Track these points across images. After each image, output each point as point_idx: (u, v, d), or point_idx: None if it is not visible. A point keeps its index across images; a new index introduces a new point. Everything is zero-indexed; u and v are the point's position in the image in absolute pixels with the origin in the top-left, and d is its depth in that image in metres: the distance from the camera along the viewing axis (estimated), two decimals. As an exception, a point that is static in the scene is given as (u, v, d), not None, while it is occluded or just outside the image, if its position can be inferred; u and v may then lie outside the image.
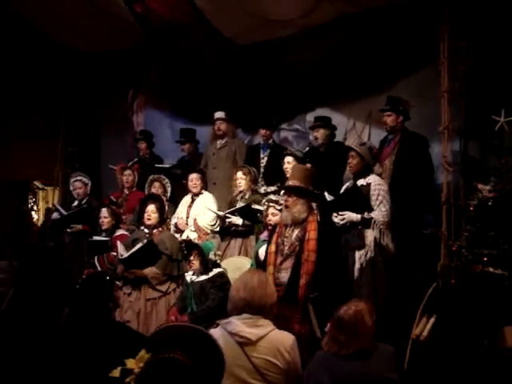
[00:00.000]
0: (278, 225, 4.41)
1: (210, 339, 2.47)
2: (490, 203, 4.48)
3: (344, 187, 5.30)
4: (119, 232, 5.99)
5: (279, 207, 4.71)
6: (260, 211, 5.45)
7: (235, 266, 5.10)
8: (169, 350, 2.42)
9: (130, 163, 7.31)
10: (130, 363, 2.85)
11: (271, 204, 4.81)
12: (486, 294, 4.28)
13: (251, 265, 4.99)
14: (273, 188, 6.35)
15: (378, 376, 2.81)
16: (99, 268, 5.71)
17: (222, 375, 2.41)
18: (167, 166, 7.19)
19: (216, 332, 3.00)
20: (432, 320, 4.53)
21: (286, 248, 4.23)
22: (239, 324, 2.91)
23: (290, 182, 4.31)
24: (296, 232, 4.22)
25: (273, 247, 4.31)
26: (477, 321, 4.26)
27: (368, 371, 2.81)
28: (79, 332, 3.19)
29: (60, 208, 6.97)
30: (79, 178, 6.98)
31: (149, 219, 5.46)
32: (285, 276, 4.13)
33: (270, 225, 4.79)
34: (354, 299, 3.13)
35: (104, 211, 6.13)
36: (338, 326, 2.92)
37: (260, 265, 4.66)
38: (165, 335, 2.56)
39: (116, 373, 2.84)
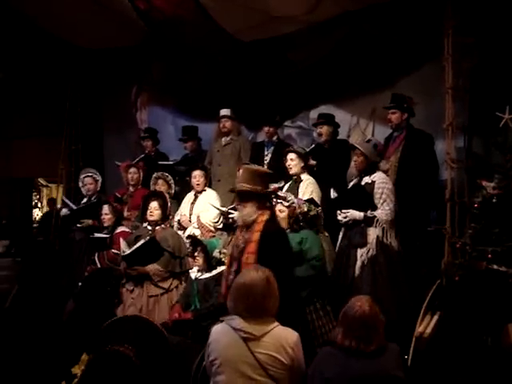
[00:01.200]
0: (238, 227, 4.28)
1: (153, 326, 2.47)
2: (494, 200, 4.47)
3: (351, 184, 5.29)
4: (120, 229, 5.99)
5: (287, 204, 4.68)
6: None
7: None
8: (108, 344, 2.42)
9: (135, 160, 7.31)
10: (75, 369, 2.90)
11: (279, 200, 4.76)
12: (489, 292, 4.27)
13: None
14: (276, 185, 6.32)
15: (386, 374, 2.80)
16: (99, 265, 5.73)
17: (170, 362, 2.38)
18: (170, 162, 7.18)
19: (220, 328, 3.01)
20: (436, 317, 4.53)
21: (236, 251, 4.03)
22: (243, 320, 2.91)
23: (238, 186, 4.16)
24: (246, 234, 4.00)
25: (230, 250, 4.23)
26: (480, 318, 4.25)
27: (377, 369, 2.80)
28: (83, 327, 3.21)
29: (69, 202, 6.97)
30: (90, 174, 7.00)
31: (151, 216, 5.47)
32: (231, 279, 3.87)
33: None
34: (362, 296, 3.10)
35: (105, 208, 6.14)
36: (356, 323, 2.89)
37: None
38: (108, 331, 2.55)
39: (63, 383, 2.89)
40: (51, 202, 10.47)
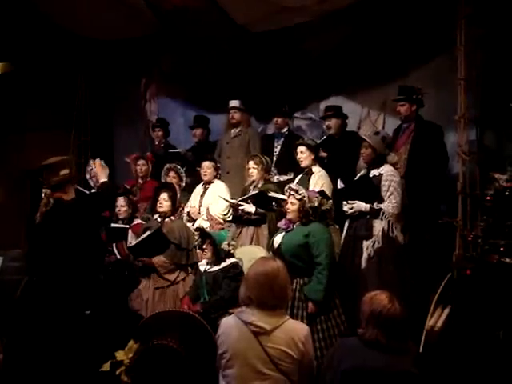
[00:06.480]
0: None
1: (198, 322, 2.47)
2: (507, 193, 4.43)
3: (358, 176, 5.26)
4: (137, 221, 6.00)
5: (298, 196, 4.67)
6: (277, 199, 5.39)
7: (250, 255, 5.08)
8: (158, 337, 2.41)
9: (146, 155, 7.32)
10: (120, 355, 2.85)
11: (292, 192, 4.75)
12: (501, 285, 4.24)
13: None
14: (286, 177, 6.30)
15: (402, 369, 2.79)
16: (118, 255, 5.75)
17: (213, 356, 2.39)
18: (179, 150, 7.16)
19: (230, 320, 2.99)
20: (446, 311, 4.51)
21: None
22: (254, 313, 2.88)
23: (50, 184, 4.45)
24: None
25: None
26: (492, 312, 4.22)
27: (394, 364, 2.79)
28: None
29: (82, 189, 6.96)
30: None
31: (161, 207, 5.50)
32: None
33: (288, 213, 4.74)
34: (382, 291, 3.04)
35: (121, 200, 6.13)
36: (389, 321, 2.83)
37: (274, 253, 4.66)
38: (153, 323, 2.54)
39: (106, 366, 2.85)
40: None
